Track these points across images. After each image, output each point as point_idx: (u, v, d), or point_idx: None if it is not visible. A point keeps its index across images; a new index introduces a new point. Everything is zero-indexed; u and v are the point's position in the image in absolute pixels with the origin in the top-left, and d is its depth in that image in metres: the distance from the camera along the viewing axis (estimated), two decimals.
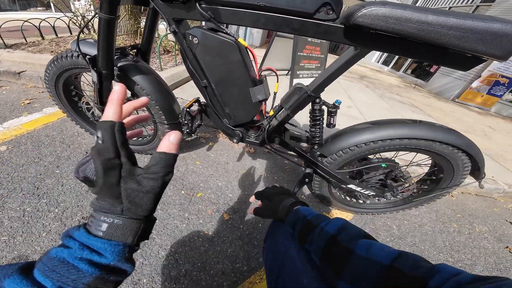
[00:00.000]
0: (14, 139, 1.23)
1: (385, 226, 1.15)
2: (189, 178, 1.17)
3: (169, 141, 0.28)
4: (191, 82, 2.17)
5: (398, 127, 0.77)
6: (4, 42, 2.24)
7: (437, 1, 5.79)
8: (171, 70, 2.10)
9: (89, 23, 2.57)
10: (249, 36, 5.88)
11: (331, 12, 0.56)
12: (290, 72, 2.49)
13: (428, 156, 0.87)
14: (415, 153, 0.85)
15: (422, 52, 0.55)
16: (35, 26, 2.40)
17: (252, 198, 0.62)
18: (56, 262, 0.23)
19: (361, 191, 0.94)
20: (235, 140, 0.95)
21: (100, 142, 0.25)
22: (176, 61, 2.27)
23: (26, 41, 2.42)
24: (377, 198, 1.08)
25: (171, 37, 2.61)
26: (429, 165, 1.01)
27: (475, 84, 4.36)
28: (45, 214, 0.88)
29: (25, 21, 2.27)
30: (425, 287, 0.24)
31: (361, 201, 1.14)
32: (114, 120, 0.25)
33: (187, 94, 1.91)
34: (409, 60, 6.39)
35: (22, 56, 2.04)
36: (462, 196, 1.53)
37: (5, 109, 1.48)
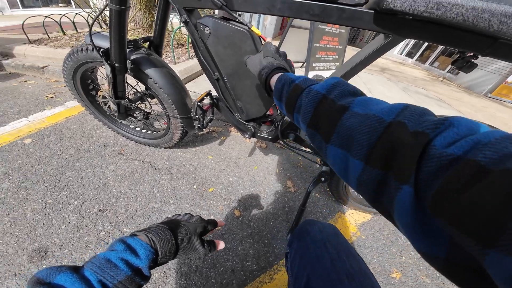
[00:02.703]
0: (39, 132, 1.29)
1: None
2: (201, 173, 1.17)
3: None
4: (205, 75, 2.16)
5: None
6: (28, 37, 2.35)
7: None
8: (184, 63, 2.10)
9: (103, 16, 2.62)
10: (261, 28, 5.73)
11: None
12: (305, 65, 2.38)
13: None
14: None
15: (466, 41, 0.48)
16: (56, 21, 2.49)
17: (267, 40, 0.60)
18: (103, 261, 0.30)
19: None
20: (247, 136, 0.92)
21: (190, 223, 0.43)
22: (189, 54, 2.26)
23: (49, 37, 2.52)
24: None
25: (184, 30, 2.60)
26: None
27: (511, 79, 3.95)
28: (65, 206, 0.92)
29: (46, 16, 2.37)
30: (427, 146, 0.17)
31: None
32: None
33: (200, 88, 1.90)
34: (436, 51, 5.91)
35: (45, 51, 2.14)
36: None
37: (30, 103, 1.57)
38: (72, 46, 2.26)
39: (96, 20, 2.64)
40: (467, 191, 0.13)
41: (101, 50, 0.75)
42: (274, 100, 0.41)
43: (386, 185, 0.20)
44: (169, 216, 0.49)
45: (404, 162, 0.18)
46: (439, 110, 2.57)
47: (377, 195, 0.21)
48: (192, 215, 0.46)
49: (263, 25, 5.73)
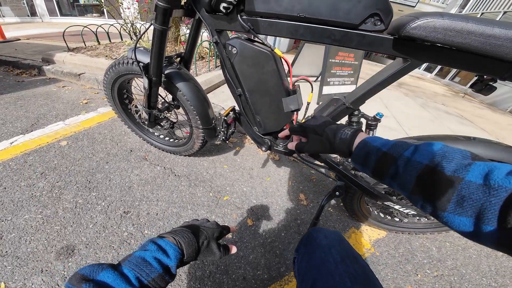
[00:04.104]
0: (73, 135, 1.42)
1: (423, 247, 1.05)
2: (217, 181, 1.21)
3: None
4: (222, 88, 2.26)
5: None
6: (67, 45, 2.58)
7: (489, 6, 5.26)
8: (205, 75, 2.21)
9: (133, 29, 2.82)
10: (277, 42, 5.89)
11: (379, 23, 0.53)
12: (319, 79, 2.43)
13: None
14: None
15: (485, 66, 0.49)
16: (93, 31, 2.69)
17: (284, 134, 0.60)
18: (139, 259, 0.33)
19: (400, 209, 0.86)
20: (263, 148, 0.96)
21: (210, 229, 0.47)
22: (209, 67, 2.38)
23: (85, 46, 2.73)
24: (417, 217, 0.98)
25: (205, 44, 2.75)
26: None
27: None
28: (94, 207, 0.98)
29: (85, 26, 2.58)
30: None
31: (397, 219, 1.04)
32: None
33: (218, 99, 1.99)
34: None
35: (82, 59, 2.33)
36: None
37: (67, 107, 1.72)
38: (106, 56, 2.45)
39: (127, 31, 2.88)
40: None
41: (141, 64, 0.84)
42: (353, 163, 0.41)
43: None
44: (187, 220, 0.53)
45: None
46: (461, 127, 2.47)
47: None
48: (209, 221, 0.50)
49: (278, 39, 5.90)
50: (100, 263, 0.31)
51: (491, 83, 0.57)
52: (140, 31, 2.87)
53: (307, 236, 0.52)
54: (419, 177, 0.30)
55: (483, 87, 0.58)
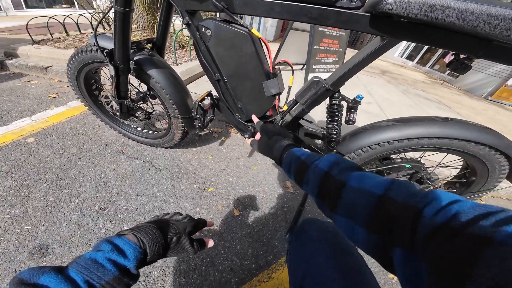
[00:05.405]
0: (41, 131, 1.31)
1: None
2: (201, 173, 1.18)
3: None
4: (205, 77, 2.18)
5: (427, 125, 0.70)
6: (32, 38, 2.38)
7: None
8: (186, 65, 2.12)
9: (106, 17, 2.64)
10: (262, 30, 5.77)
11: (355, 0, 0.51)
12: (305, 67, 2.40)
13: (459, 157, 0.79)
14: (445, 154, 0.77)
15: (460, 43, 0.49)
16: (60, 22, 2.51)
17: (255, 119, 0.68)
18: (89, 261, 0.30)
19: None
20: (246, 135, 0.94)
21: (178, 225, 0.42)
22: (190, 56, 2.28)
23: (52, 37, 2.54)
24: None
25: (186, 32, 2.62)
26: (460, 166, 0.92)
27: (511, 82, 3.96)
28: (67, 204, 0.93)
29: (51, 17, 2.39)
30: (419, 216, 0.22)
31: None
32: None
33: (201, 89, 1.92)
34: (437, 54, 5.94)
35: (49, 51, 2.16)
36: (492, 200, 1.41)
37: (33, 103, 1.59)
38: (76, 47, 2.29)
39: (102, 23, 2.69)
40: (448, 247, 0.18)
41: (105, 51, 0.77)
42: (284, 172, 0.47)
43: (386, 248, 0.25)
44: (157, 215, 0.48)
45: (402, 229, 0.23)
46: (439, 112, 2.58)
47: (384, 256, 0.26)
48: (181, 214, 0.46)
49: (264, 27, 5.77)
50: (42, 266, 0.28)
51: (466, 62, 0.57)
52: (113, 21, 2.70)
53: (299, 228, 0.51)
54: (321, 183, 0.36)
55: (458, 66, 0.58)
